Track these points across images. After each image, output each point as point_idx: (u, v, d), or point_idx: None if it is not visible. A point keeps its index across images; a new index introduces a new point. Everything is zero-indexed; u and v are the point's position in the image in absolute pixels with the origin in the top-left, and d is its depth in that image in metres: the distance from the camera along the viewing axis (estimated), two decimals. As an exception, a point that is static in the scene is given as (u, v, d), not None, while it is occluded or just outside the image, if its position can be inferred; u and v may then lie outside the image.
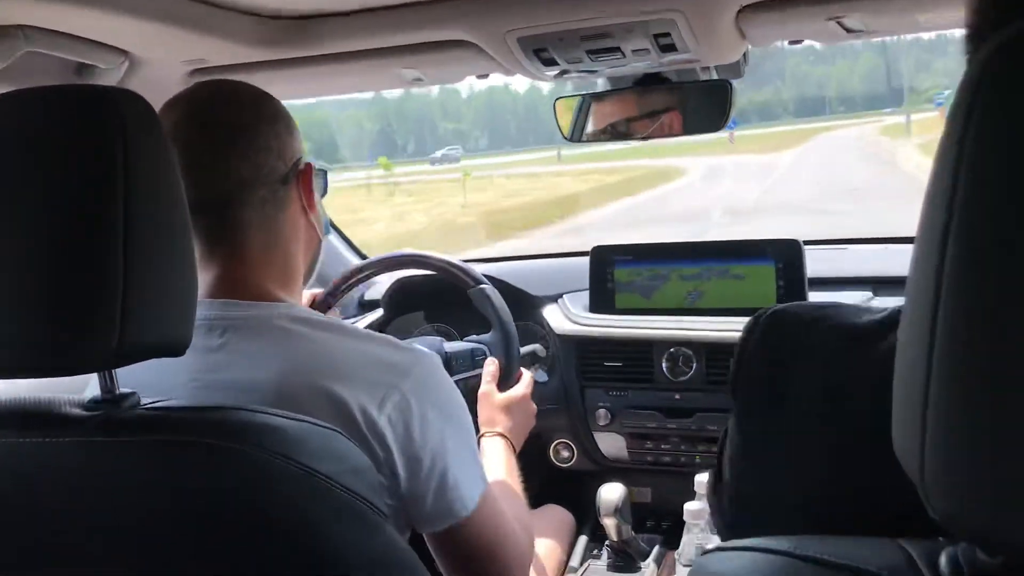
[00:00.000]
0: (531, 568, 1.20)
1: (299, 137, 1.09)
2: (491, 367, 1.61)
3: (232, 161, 1.02)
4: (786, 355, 0.77)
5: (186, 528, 0.75)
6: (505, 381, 1.62)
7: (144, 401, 0.81)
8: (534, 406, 1.61)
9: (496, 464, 1.39)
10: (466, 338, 1.76)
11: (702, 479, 1.53)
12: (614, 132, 1.70)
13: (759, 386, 0.78)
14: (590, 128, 1.72)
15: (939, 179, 0.42)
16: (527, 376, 1.66)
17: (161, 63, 1.39)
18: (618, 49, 1.37)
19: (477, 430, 1.32)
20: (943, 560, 0.50)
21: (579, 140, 1.73)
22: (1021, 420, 0.40)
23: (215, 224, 1.03)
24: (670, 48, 1.37)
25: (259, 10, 1.33)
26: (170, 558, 0.75)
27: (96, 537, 0.76)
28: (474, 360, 1.67)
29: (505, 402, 1.55)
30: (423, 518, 1.02)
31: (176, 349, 0.79)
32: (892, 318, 0.73)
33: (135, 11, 1.17)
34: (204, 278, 1.04)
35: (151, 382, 0.83)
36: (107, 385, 0.79)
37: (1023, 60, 0.39)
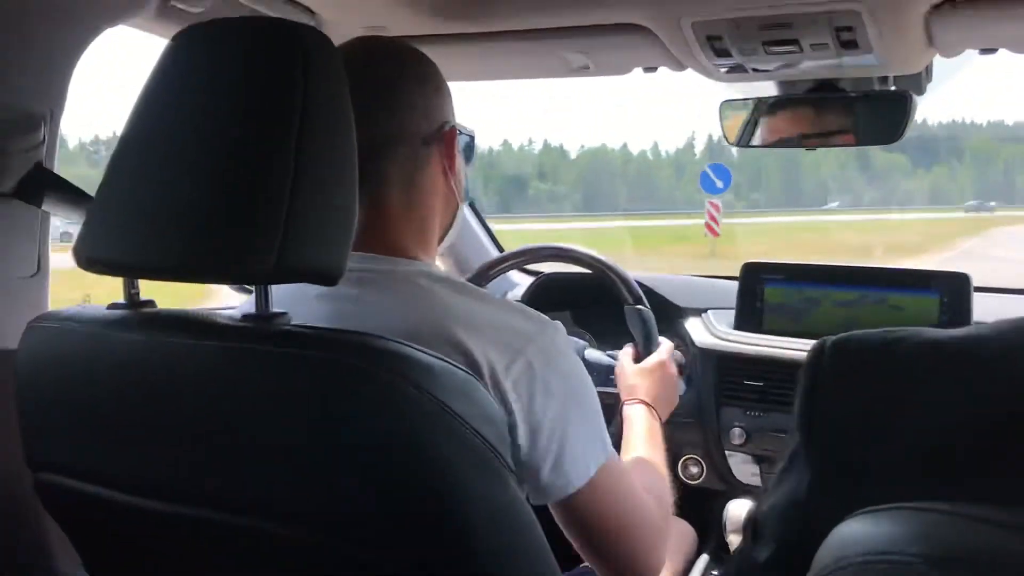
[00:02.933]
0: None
1: (449, 101, 1.10)
2: (628, 348, 1.59)
3: (377, 115, 1.02)
4: (869, 381, 0.71)
5: (312, 440, 0.76)
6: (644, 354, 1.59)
7: (293, 322, 0.83)
8: (675, 372, 1.55)
9: (637, 432, 1.36)
10: (608, 352, 1.73)
11: None
12: (784, 140, 1.66)
13: (841, 422, 0.72)
14: (759, 134, 1.69)
15: None
16: (666, 343, 1.60)
17: (344, 27, 1.44)
18: (796, 42, 1.33)
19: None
20: None
21: (746, 145, 1.70)
22: None
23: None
24: (851, 45, 1.32)
25: None
26: (293, 466, 0.76)
27: (227, 436, 0.79)
28: (608, 378, 1.62)
29: (641, 369, 1.51)
30: (538, 488, 0.98)
31: (330, 276, 0.81)
32: (980, 332, 0.69)
33: None
34: None
35: None
36: (262, 302, 0.82)
37: None
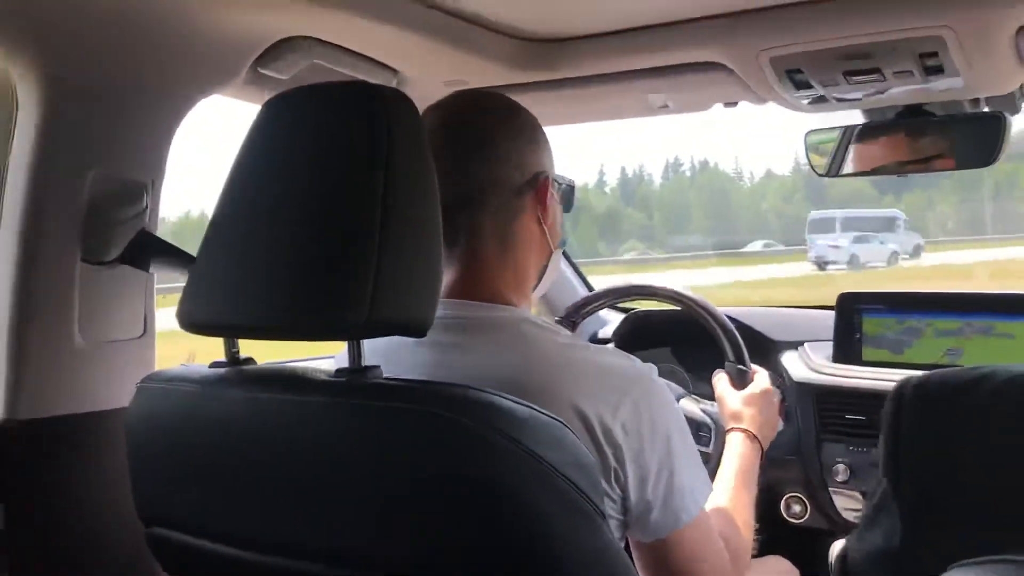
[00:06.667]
0: None
1: (545, 152, 1.13)
2: (721, 374, 1.57)
3: (472, 168, 1.07)
4: (953, 424, 0.70)
5: (404, 491, 0.77)
6: (740, 383, 1.56)
7: (385, 375, 0.85)
8: (776, 402, 1.52)
9: (734, 467, 1.35)
10: (702, 405, 1.67)
11: None
12: (876, 168, 1.62)
13: (928, 468, 0.71)
14: (849, 163, 1.65)
15: None
16: (763, 373, 1.57)
17: (425, 82, 1.48)
18: (878, 71, 1.31)
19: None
20: None
21: (836, 175, 1.67)
22: None
23: (453, 226, 1.08)
24: (936, 71, 1.29)
25: (519, 32, 1.40)
26: (388, 515, 0.78)
27: (325, 488, 0.81)
28: (698, 435, 1.55)
29: (747, 398, 1.48)
30: (650, 526, 1.01)
31: (419, 329, 0.83)
32: None
33: (407, 26, 1.26)
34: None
35: (389, 371, 0.87)
36: (355, 356, 0.84)
37: None
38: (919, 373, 0.75)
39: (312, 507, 0.82)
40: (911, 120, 1.55)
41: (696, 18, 1.32)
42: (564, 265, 2.36)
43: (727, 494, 1.29)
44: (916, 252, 22.48)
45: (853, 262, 20.82)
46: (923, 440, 0.71)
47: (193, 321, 0.88)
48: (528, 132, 1.12)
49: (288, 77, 1.31)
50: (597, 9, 1.32)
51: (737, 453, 1.38)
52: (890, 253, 21.46)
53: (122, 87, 1.20)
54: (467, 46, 1.37)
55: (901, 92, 1.42)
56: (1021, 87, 1.50)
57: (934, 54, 1.25)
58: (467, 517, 0.76)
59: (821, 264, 20.87)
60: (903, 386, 0.74)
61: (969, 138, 1.52)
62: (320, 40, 1.29)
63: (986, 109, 1.54)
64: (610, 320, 2.33)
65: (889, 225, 23.10)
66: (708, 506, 1.11)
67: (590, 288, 2.37)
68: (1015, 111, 1.54)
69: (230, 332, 0.91)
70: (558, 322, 1.82)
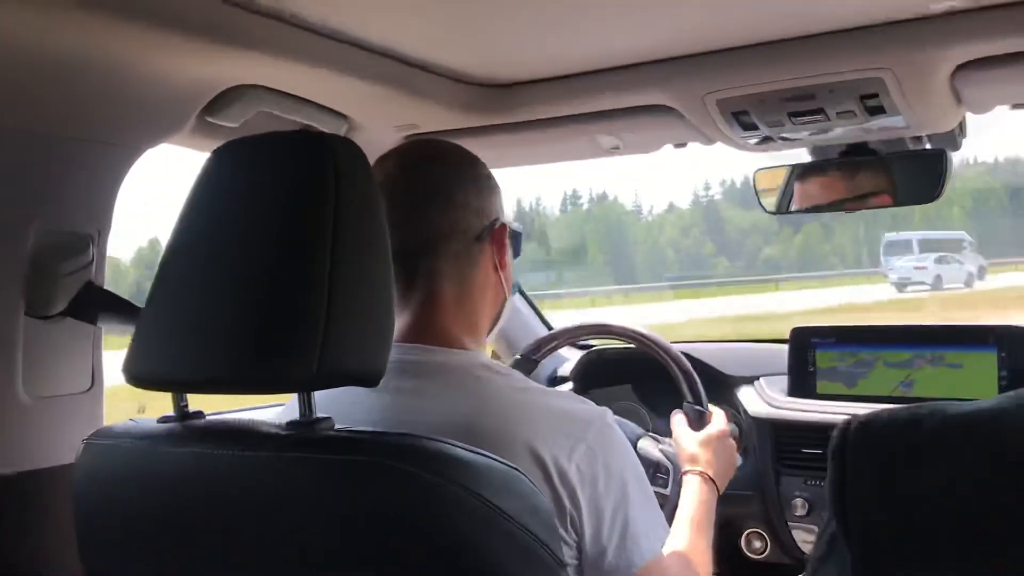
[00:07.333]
0: None
1: (499, 199, 1.15)
2: (679, 415, 1.56)
3: (432, 214, 1.08)
4: (896, 461, 0.69)
5: (356, 546, 0.76)
6: (697, 424, 1.54)
7: (337, 426, 0.84)
8: (733, 443, 1.52)
9: (690, 511, 1.34)
10: (661, 445, 1.66)
11: None
12: (822, 205, 1.65)
13: (874, 503, 0.70)
14: (796, 201, 1.68)
15: None
16: (720, 413, 1.56)
17: (377, 127, 1.49)
18: (822, 111, 1.34)
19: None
20: None
21: (785, 212, 1.69)
22: None
23: (411, 271, 1.09)
24: (878, 111, 1.32)
25: (469, 78, 1.41)
26: (342, 569, 0.77)
27: (275, 544, 0.80)
28: (655, 476, 1.51)
29: (704, 439, 1.47)
30: (604, 569, 1.00)
31: (370, 379, 0.82)
32: (1004, 402, 0.67)
33: (357, 73, 1.26)
34: (398, 323, 1.08)
35: (346, 418, 0.86)
36: (304, 408, 0.83)
37: None
38: (865, 411, 0.76)
39: (263, 562, 0.81)
40: (855, 159, 1.58)
41: (642, 62, 1.34)
42: (522, 304, 2.36)
43: (684, 538, 1.28)
44: (981, 273, 22.65)
45: (936, 283, 20.87)
46: (868, 476, 0.71)
47: (137, 375, 0.86)
48: (484, 180, 1.13)
49: (237, 125, 1.30)
50: (545, 55, 1.33)
51: (694, 497, 1.38)
52: (967, 274, 21.65)
53: (66, 138, 1.18)
54: (417, 92, 1.37)
55: (845, 131, 1.45)
56: (960, 125, 1.54)
57: (874, 95, 1.28)
58: (423, 568, 0.75)
59: (902, 286, 20.90)
60: (848, 424, 0.74)
61: (913, 174, 1.56)
62: (268, 88, 1.29)
63: (928, 146, 1.57)
64: (569, 358, 2.33)
65: (956, 247, 23.24)
66: (665, 550, 1.10)
67: (549, 327, 2.37)
68: (955, 148, 1.58)
69: (175, 387, 0.89)
70: (517, 361, 1.81)
